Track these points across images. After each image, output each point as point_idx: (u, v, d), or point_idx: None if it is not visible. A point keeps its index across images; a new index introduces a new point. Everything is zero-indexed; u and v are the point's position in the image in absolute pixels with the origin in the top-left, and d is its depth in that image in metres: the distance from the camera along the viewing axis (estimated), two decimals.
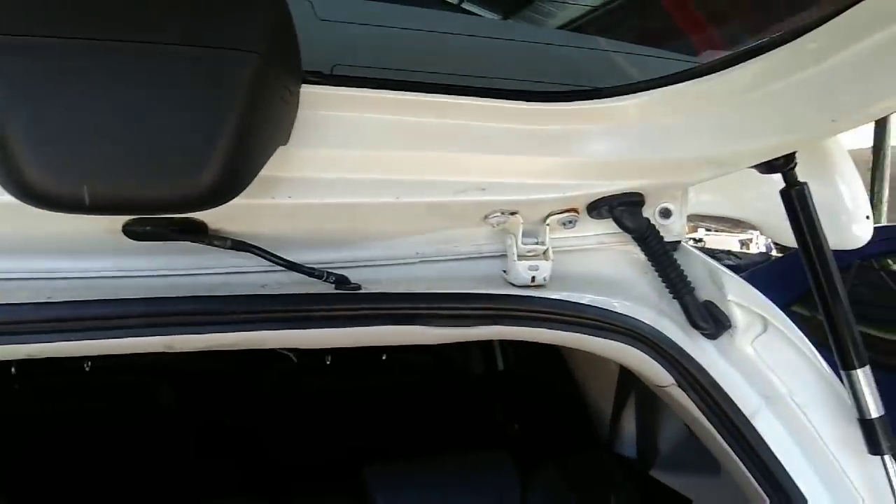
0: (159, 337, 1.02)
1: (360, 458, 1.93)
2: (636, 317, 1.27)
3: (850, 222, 1.36)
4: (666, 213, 1.34)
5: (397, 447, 2.27)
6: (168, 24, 0.85)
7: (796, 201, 1.18)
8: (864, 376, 1.20)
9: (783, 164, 1.16)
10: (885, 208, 11.13)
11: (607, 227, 1.30)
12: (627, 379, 2.08)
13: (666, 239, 1.34)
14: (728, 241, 14.21)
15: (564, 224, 1.27)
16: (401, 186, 1.11)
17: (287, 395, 2.84)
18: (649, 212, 1.33)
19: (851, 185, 1.36)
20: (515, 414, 2.68)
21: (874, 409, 1.20)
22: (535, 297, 1.20)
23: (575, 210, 1.27)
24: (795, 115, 1.07)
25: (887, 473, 1.20)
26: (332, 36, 1.08)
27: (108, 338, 0.98)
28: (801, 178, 1.27)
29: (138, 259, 1.11)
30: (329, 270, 1.14)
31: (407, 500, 1.79)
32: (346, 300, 1.09)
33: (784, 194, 1.19)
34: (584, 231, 1.32)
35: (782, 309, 4.87)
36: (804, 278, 4.45)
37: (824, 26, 1.02)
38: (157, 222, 1.04)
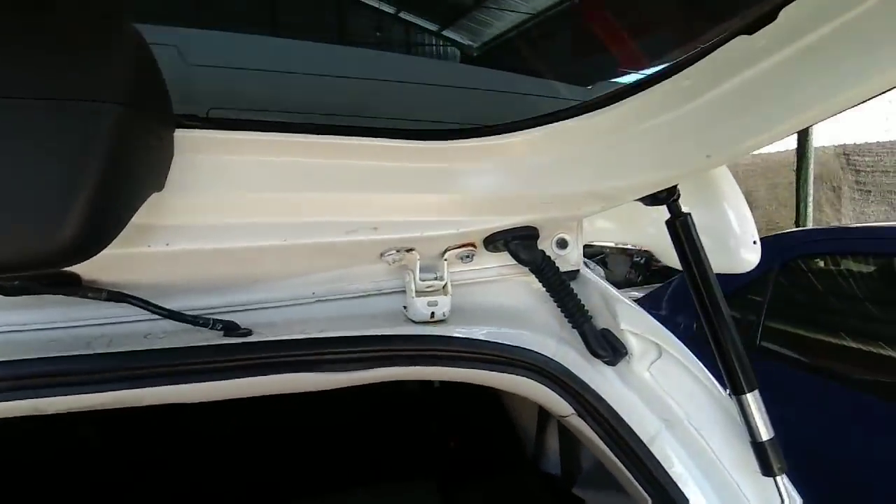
0: (27, 400, 0.97)
1: (293, 488, 1.89)
2: (535, 348, 1.28)
3: (738, 247, 1.41)
4: (562, 244, 1.36)
5: (333, 473, 2.23)
6: (23, 78, 0.81)
7: (681, 231, 1.21)
8: (753, 400, 1.23)
9: (666, 197, 1.20)
10: (810, 210, 11.63)
11: (506, 259, 1.31)
12: None
13: (563, 269, 1.35)
14: None
15: (462, 259, 1.28)
16: (287, 229, 1.09)
17: (216, 426, 2.77)
18: (546, 243, 1.34)
19: (738, 211, 1.41)
20: (453, 430, 2.67)
21: (765, 433, 1.23)
22: (430, 335, 1.19)
23: (472, 245, 1.27)
24: (673, 150, 1.10)
25: (780, 494, 1.24)
26: (207, 80, 1.06)
27: None
28: (689, 205, 1.31)
29: (10, 314, 1.06)
30: (216, 317, 1.11)
31: None
32: (228, 351, 1.06)
33: (669, 225, 1.22)
34: (483, 264, 1.32)
35: None
36: (730, 280, 4.51)
37: (697, 64, 1.06)
38: (26, 276, 0.99)
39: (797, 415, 4.15)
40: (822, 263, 4.73)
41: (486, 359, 1.23)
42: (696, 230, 1.22)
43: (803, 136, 11.38)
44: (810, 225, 11.31)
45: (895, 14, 0.92)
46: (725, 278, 4.86)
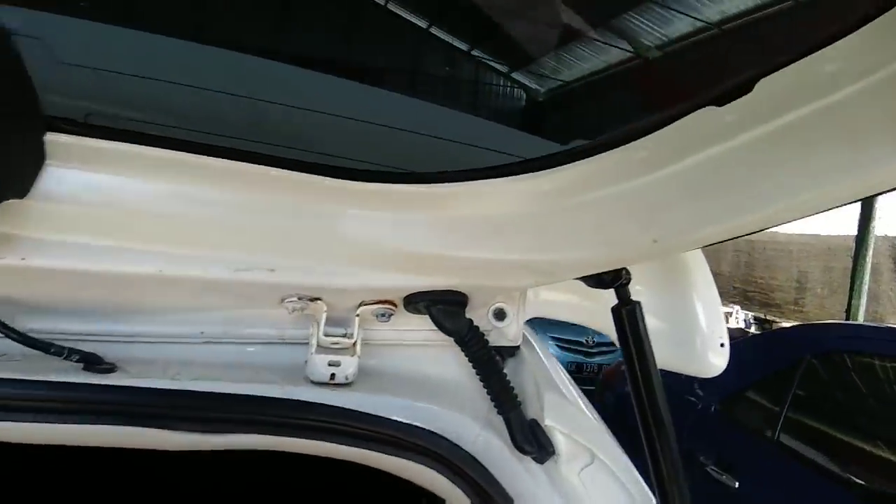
0: None
1: None
2: (449, 431, 1.12)
3: (703, 348, 1.22)
4: (500, 315, 1.20)
5: None
6: None
7: (626, 322, 1.04)
8: None
9: (612, 280, 1.03)
10: (863, 301, 11.03)
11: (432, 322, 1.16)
12: None
13: (498, 343, 1.19)
14: None
15: (378, 316, 1.13)
16: (166, 258, 0.96)
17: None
18: (480, 312, 1.19)
19: (708, 306, 1.22)
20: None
21: None
22: (317, 403, 1.04)
23: (391, 302, 1.12)
24: (618, 229, 0.94)
25: None
26: (87, 81, 0.95)
27: None
28: (651, 292, 1.14)
29: None
30: (76, 346, 0.98)
31: None
32: (54, 388, 0.93)
33: (614, 312, 1.05)
34: (405, 325, 1.17)
35: (736, 394, 4.67)
36: (762, 366, 4.28)
37: (656, 133, 0.90)
38: None
39: None
40: (854, 360, 4.41)
41: (383, 440, 1.06)
42: (644, 321, 1.04)
43: (864, 220, 10.88)
44: (861, 317, 10.70)
45: (889, 103, 0.75)
46: (751, 364, 4.61)
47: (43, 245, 0.92)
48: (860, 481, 3.87)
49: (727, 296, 18.04)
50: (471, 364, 1.14)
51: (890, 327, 6.04)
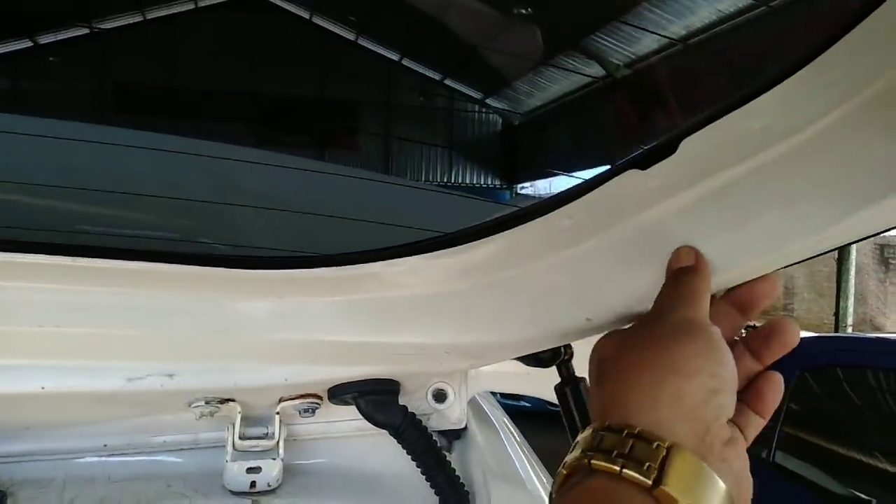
0: None
1: None
2: None
3: None
4: (440, 397, 1.09)
5: None
6: None
7: (571, 401, 0.94)
8: None
9: (551, 358, 0.93)
10: (850, 304, 11.02)
11: None
12: None
13: (442, 427, 1.09)
14: None
15: (301, 412, 1.02)
16: (48, 372, 0.86)
17: None
18: (417, 395, 1.08)
19: None
20: None
21: None
22: None
23: (315, 395, 1.02)
24: (545, 306, 0.85)
25: None
26: None
27: None
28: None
29: None
30: None
31: None
32: None
33: (557, 391, 0.95)
34: (333, 416, 1.06)
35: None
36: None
37: (580, 200, 0.81)
38: None
39: None
40: (846, 373, 4.33)
41: None
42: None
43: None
44: (850, 319, 10.67)
45: (827, 160, 0.67)
46: None
47: None
48: (862, 495, 3.78)
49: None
50: (409, 455, 1.03)
51: (880, 337, 5.98)
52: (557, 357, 0.93)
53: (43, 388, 0.86)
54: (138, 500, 0.93)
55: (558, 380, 1.01)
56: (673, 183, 0.74)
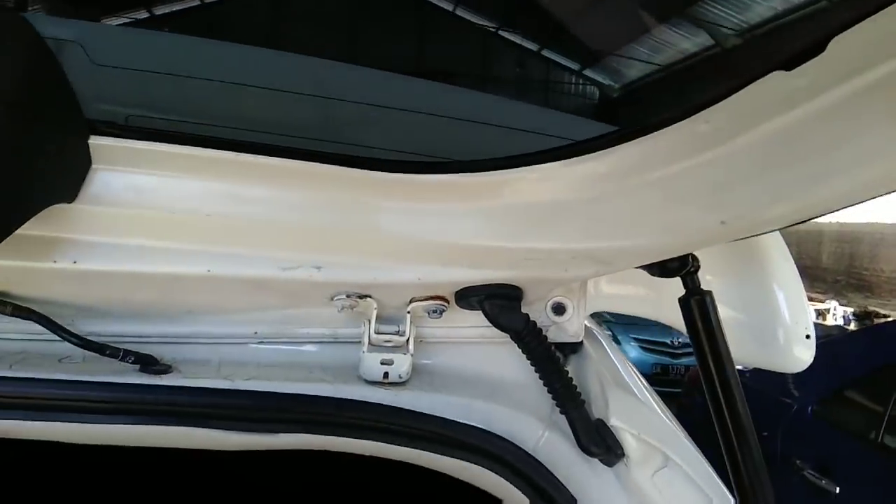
0: None
1: None
2: (510, 432, 1.07)
3: (787, 340, 1.11)
4: (559, 310, 1.13)
5: None
6: None
7: (696, 313, 0.96)
8: None
9: (678, 268, 0.95)
10: None
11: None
12: None
13: (559, 339, 1.13)
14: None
15: (430, 313, 1.09)
16: (213, 258, 0.96)
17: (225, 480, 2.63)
18: (537, 306, 1.12)
19: (791, 295, 1.11)
20: None
21: None
22: (371, 403, 1.01)
23: (442, 298, 1.08)
24: (681, 211, 0.87)
25: None
26: (125, 84, 0.95)
27: None
28: (726, 281, 1.05)
29: None
30: (132, 348, 0.99)
31: None
32: (111, 389, 0.93)
33: (682, 303, 0.97)
34: (458, 322, 1.12)
35: (834, 393, 4.40)
36: (863, 362, 4.04)
37: (719, 105, 0.82)
38: None
39: None
40: None
41: (438, 440, 1.02)
42: (716, 312, 0.96)
43: None
44: None
45: None
46: (851, 361, 4.34)
47: (93, 248, 0.93)
48: None
49: (830, 290, 17.13)
50: (528, 361, 1.08)
51: None
52: (684, 267, 0.95)
53: (209, 270, 0.96)
54: (280, 384, 1.03)
55: (674, 304, 1.03)
56: (819, 83, 0.74)
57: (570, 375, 1.08)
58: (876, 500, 3.79)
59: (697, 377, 5.74)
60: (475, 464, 1.02)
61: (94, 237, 0.93)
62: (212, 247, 0.96)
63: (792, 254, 1.14)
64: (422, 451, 1.02)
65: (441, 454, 1.02)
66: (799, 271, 1.14)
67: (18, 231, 0.82)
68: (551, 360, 1.07)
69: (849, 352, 4.65)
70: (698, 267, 0.96)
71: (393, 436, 1.00)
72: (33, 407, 0.92)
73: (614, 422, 1.02)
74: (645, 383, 1.23)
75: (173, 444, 1.00)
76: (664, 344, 8.61)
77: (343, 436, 1.00)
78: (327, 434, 0.99)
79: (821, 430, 4.29)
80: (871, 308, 14.93)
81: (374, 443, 1.01)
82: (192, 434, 0.96)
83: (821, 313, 14.49)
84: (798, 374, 4.77)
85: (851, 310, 15.09)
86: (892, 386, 4.02)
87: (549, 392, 1.08)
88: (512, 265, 1.01)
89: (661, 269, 0.96)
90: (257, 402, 0.97)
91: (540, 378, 1.08)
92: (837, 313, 14.57)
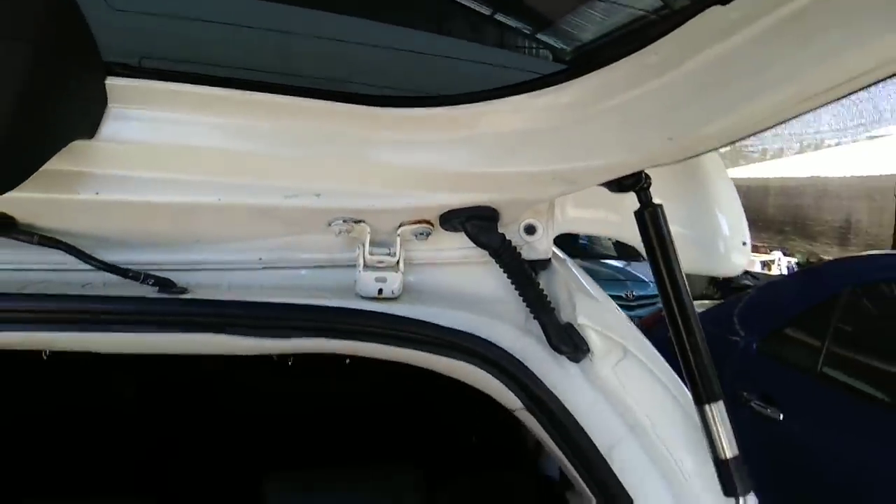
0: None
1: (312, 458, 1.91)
2: (489, 336, 1.21)
3: (727, 248, 1.28)
4: (530, 230, 1.28)
5: (345, 452, 2.24)
6: None
7: (649, 223, 1.11)
8: (717, 412, 1.12)
9: (633, 184, 1.10)
10: None
11: (468, 240, 1.24)
12: None
13: (531, 257, 1.27)
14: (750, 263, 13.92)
15: (417, 235, 1.22)
16: (221, 187, 1.06)
17: (250, 394, 2.82)
18: (512, 228, 1.27)
19: (729, 209, 1.28)
20: (475, 426, 2.63)
21: (728, 449, 1.12)
22: (371, 311, 1.14)
23: (428, 222, 1.21)
24: (634, 132, 1.01)
25: None
26: (139, 27, 1.04)
27: None
28: (673, 197, 1.20)
29: None
30: (150, 272, 1.10)
31: None
32: (158, 303, 1.05)
33: (637, 215, 1.12)
34: (442, 244, 1.26)
35: (774, 333, 4.66)
36: (802, 301, 4.28)
37: (665, 38, 0.96)
38: None
39: (858, 447, 3.87)
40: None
41: (429, 341, 1.16)
42: (666, 223, 1.11)
43: None
44: None
45: None
46: (791, 300, 4.59)
47: (113, 180, 1.03)
48: None
49: (775, 239, 17.84)
50: (506, 275, 1.23)
51: None
52: (638, 183, 1.10)
53: (219, 199, 1.07)
54: (288, 299, 1.15)
55: (631, 222, 1.18)
56: (751, 13, 0.88)
57: (541, 286, 1.23)
58: (817, 421, 4.09)
59: (651, 323, 5.96)
60: (466, 363, 1.17)
61: (114, 171, 1.02)
62: (221, 178, 1.06)
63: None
64: (418, 352, 1.16)
65: (437, 355, 1.16)
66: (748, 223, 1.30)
67: (44, 166, 0.91)
68: (524, 274, 1.22)
69: (790, 292, 4.95)
70: (650, 183, 1.11)
71: (394, 339, 1.14)
72: (69, 321, 1.02)
73: (581, 320, 1.18)
74: (605, 294, 1.39)
75: (195, 351, 1.11)
76: (619, 297, 8.95)
77: (348, 339, 1.13)
78: (336, 338, 1.12)
79: (765, 365, 4.58)
80: (816, 257, 15.61)
81: (376, 345, 1.14)
82: (211, 340, 1.08)
83: (766, 264, 15.08)
84: (743, 314, 5.06)
85: (795, 260, 15.77)
86: (827, 322, 4.31)
87: (524, 301, 1.23)
88: (489, 188, 1.15)
89: (618, 185, 1.10)
90: (270, 312, 1.09)
91: (515, 289, 1.23)
92: (782, 263, 15.19)
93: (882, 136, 16.64)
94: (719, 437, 1.12)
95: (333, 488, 1.83)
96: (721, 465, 1.13)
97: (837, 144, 18.70)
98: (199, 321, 1.07)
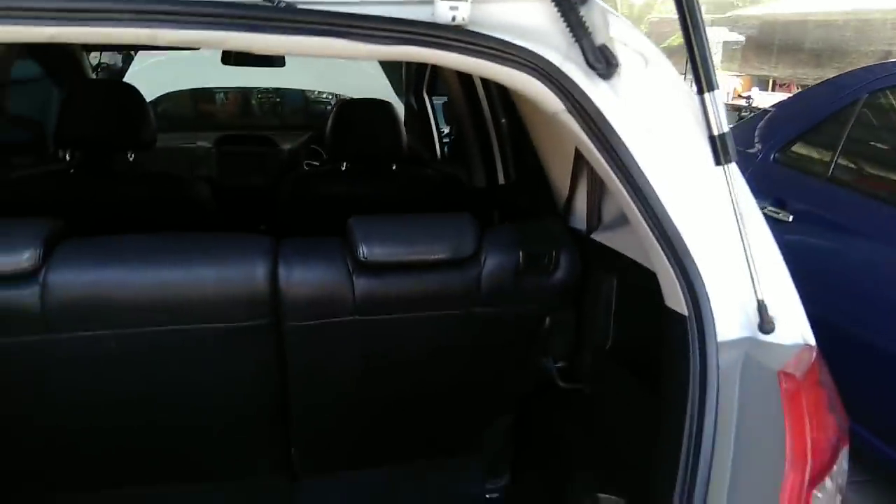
0: (146, 29, 1.33)
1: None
2: (541, 55, 1.55)
3: None
4: None
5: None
6: None
7: None
8: (713, 100, 1.47)
9: None
10: None
11: None
12: (580, 164, 2.40)
13: None
14: (773, 99, 13.85)
15: None
16: None
17: (304, 197, 3.27)
18: None
19: None
20: (511, 219, 3.00)
21: (716, 128, 1.48)
22: (450, 25, 1.47)
23: None
24: None
25: (727, 179, 1.51)
26: None
27: (105, 27, 1.30)
28: None
29: None
30: None
31: (382, 243, 2.14)
32: (281, 11, 1.36)
33: None
34: None
35: (791, 142, 4.93)
36: (819, 111, 4.53)
37: None
38: None
39: (862, 247, 4.14)
40: None
41: (495, 53, 1.50)
42: None
43: None
44: None
45: None
46: (808, 112, 4.84)
47: None
48: None
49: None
50: (553, 4, 1.53)
51: None
52: None
53: None
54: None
55: None
56: None
57: (581, 14, 1.55)
58: (825, 220, 4.43)
59: None
60: (522, 72, 1.51)
61: None
62: None
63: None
64: (485, 61, 1.50)
65: (499, 64, 1.50)
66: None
67: None
68: (568, 2, 1.53)
69: (808, 104, 5.16)
70: None
71: (467, 51, 1.48)
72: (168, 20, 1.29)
73: (612, 33, 1.51)
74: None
75: (305, 52, 1.44)
76: None
77: (434, 49, 1.46)
78: (424, 48, 1.46)
79: (779, 172, 4.88)
80: None
81: (454, 54, 1.48)
82: (330, 44, 1.39)
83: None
84: (764, 128, 5.29)
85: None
86: (843, 128, 4.53)
87: (567, 26, 1.54)
88: None
89: None
90: (378, 23, 1.42)
91: (560, 15, 1.54)
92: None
93: None
94: (714, 118, 1.47)
95: (408, 228, 2.23)
96: (713, 141, 1.49)
97: None
98: (328, 29, 1.38)
